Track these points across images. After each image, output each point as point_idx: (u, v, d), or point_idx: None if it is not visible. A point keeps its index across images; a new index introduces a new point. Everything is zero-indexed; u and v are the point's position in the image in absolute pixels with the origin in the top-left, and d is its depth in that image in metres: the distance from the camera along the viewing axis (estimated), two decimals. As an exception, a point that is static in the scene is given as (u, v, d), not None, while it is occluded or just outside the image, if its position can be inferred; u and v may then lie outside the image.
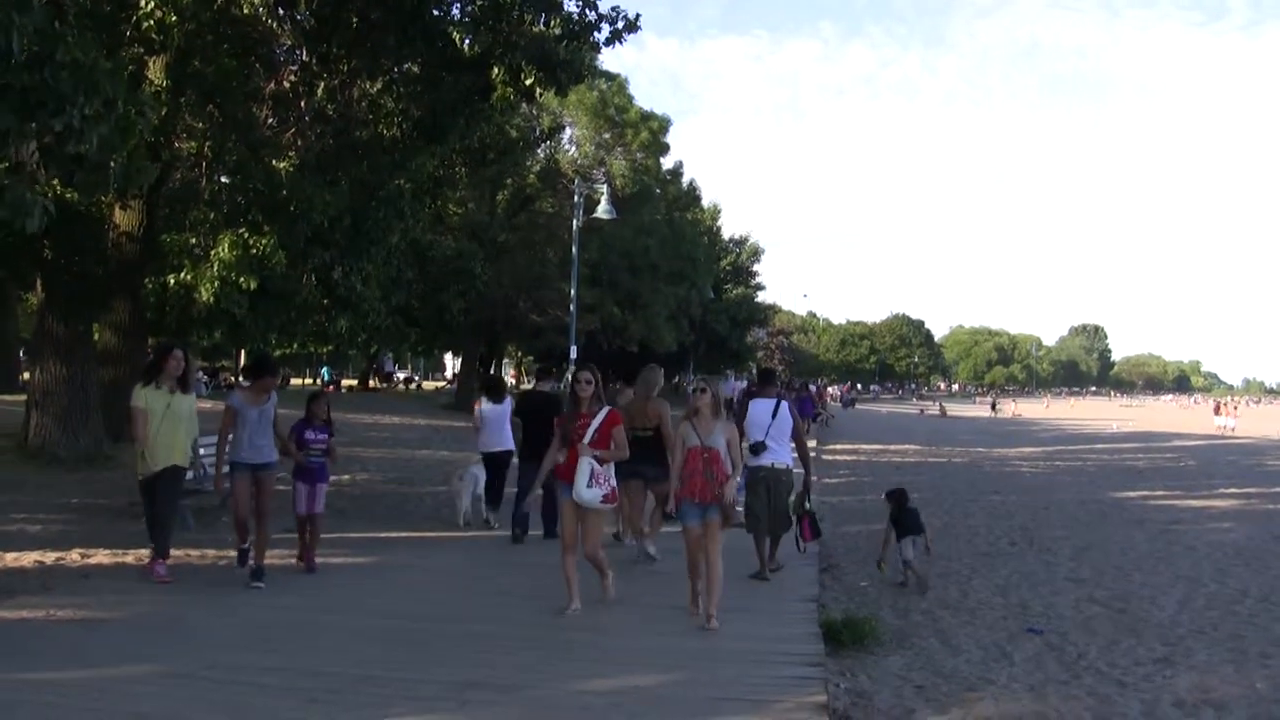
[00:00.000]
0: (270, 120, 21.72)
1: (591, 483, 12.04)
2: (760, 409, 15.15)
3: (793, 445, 15.36)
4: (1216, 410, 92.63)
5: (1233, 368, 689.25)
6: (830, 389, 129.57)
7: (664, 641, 11.09)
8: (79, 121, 11.73)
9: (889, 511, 16.50)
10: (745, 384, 29.03)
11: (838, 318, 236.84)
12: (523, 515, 17.52)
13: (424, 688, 9.03)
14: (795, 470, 15.28)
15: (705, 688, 9.43)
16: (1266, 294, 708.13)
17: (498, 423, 19.68)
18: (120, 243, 21.28)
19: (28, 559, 14.53)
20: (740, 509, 15.75)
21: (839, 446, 40.85)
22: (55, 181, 15.86)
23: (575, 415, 12.45)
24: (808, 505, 15.50)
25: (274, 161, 20.94)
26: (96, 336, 22.78)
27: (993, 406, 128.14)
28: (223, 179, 21.61)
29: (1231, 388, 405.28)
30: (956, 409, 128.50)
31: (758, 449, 14.84)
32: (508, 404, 19.92)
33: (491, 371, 62.43)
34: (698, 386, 12.31)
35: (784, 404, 15.35)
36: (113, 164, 13.71)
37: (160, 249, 21.38)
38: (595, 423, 12.29)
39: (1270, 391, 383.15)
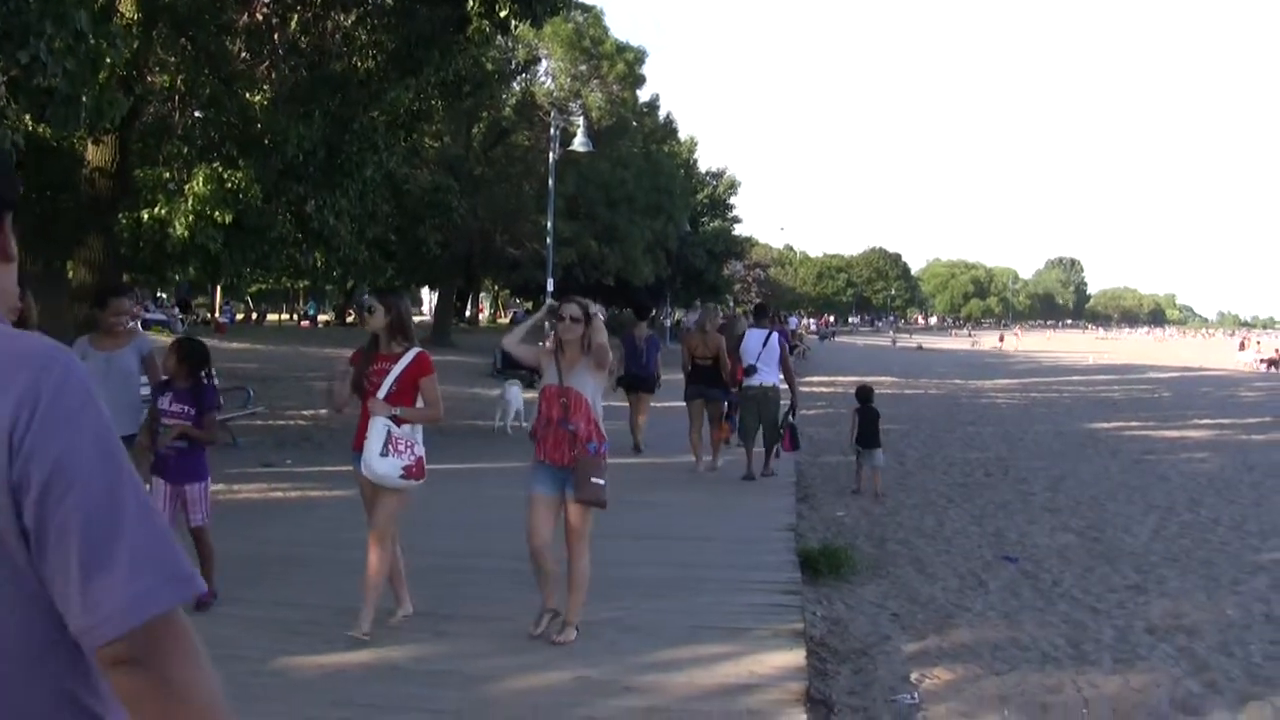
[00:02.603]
0: (243, 53, 21.51)
1: (387, 450, 8.64)
2: (754, 338, 17.77)
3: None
4: (1242, 347, 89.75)
5: (1208, 301, 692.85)
6: (806, 322, 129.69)
7: (638, 571, 11.16)
8: (46, 54, 11.62)
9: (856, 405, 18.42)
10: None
11: (815, 251, 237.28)
12: None
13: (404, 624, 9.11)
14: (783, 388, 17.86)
15: (682, 616, 9.50)
16: (1241, 228, 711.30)
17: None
18: (93, 178, 21.10)
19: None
20: (733, 435, 18.65)
21: (815, 379, 41.00)
22: (26, 116, 15.73)
23: (371, 357, 9.01)
24: (791, 420, 17.89)
25: (248, 95, 20.78)
26: (71, 273, 22.65)
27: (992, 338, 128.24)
28: (196, 113, 21.42)
29: (1206, 320, 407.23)
30: (933, 341, 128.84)
31: (750, 371, 17.47)
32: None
33: (469, 304, 62.36)
34: (569, 314, 8.76)
35: (774, 334, 17.89)
36: (84, 98, 13.57)
37: (134, 184, 21.19)
38: (396, 370, 8.80)
39: (1244, 324, 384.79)
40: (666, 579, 10.86)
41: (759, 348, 17.57)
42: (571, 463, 8.50)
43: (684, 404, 18.74)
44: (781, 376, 17.86)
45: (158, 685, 1.87)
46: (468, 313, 78.41)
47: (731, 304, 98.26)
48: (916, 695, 8.41)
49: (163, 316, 53.69)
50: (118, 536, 1.88)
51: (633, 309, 23.99)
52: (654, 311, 29.67)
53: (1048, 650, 9.76)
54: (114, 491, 1.91)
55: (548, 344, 9.34)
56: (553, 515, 8.74)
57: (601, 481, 8.48)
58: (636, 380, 20.19)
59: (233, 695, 1.96)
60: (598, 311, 8.97)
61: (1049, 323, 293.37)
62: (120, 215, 20.86)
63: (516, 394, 23.54)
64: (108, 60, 13.61)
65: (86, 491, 1.87)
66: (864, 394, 18.66)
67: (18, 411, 1.87)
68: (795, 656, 8.43)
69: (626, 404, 20.68)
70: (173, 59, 20.57)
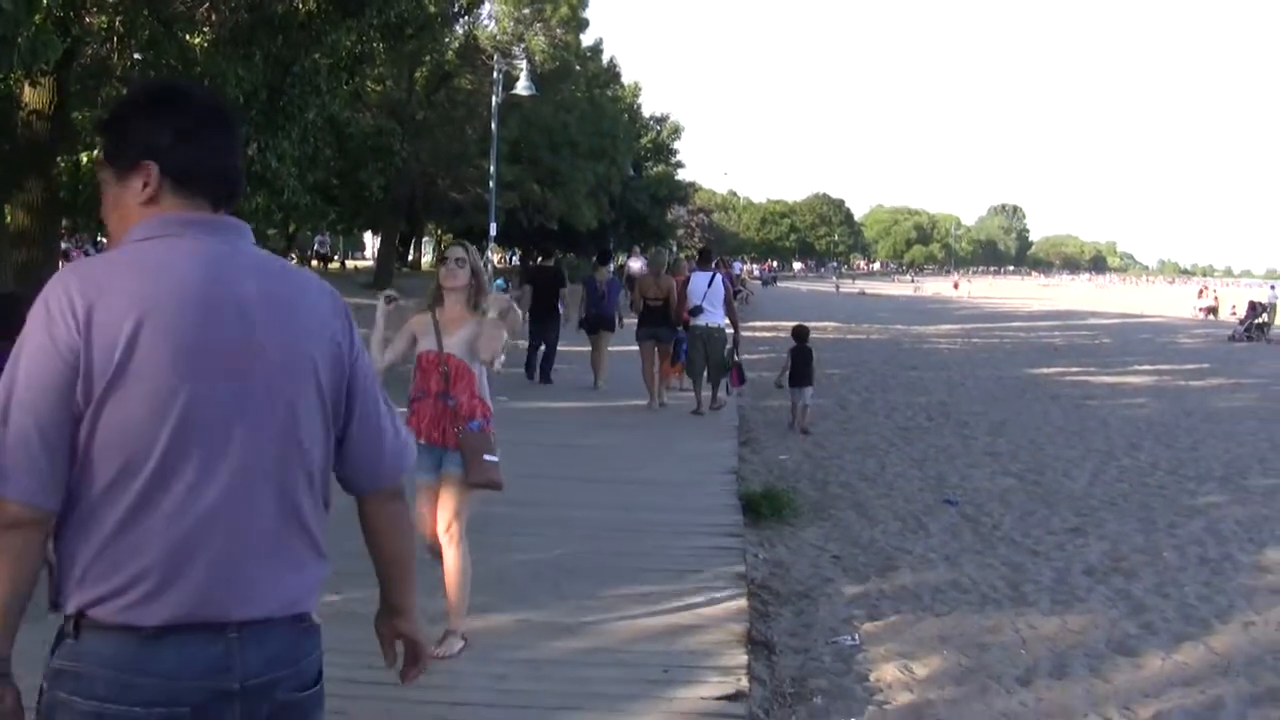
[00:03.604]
0: (183, -6, 21.26)
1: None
2: (699, 279, 18.66)
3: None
4: (1200, 294, 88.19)
5: (1148, 249, 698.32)
6: (749, 267, 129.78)
7: (582, 514, 11.20)
8: (-21, -6, 11.44)
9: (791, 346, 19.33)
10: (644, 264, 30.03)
11: (758, 196, 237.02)
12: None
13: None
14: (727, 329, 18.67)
15: (625, 558, 9.55)
16: (1181, 176, 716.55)
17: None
18: (30, 121, 20.80)
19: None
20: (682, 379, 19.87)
21: (759, 323, 41.02)
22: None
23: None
24: (736, 358, 18.99)
25: (187, 37, 20.52)
26: (9, 218, 22.39)
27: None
28: (135, 55, 21.15)
29: (1146, 268, 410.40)
30: (876, 287, 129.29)
31: (696, 312, 18.30)
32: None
33: (411, 248, 62.10)
34: (454, 256, 7.60)
35: (719, 276, 18.95)
36: (19, 39, 13.36)
37: (72, 127, 20.97)
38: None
39: (1184, 272, 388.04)
40: (609, 521, 10.91)
41: (704, 289, 18.43)
42: (452, 442, 7.14)
43: (635, 346, 19.47)
44: (726, 317, 18.64)
45: (407, 511, 3.21)
46: (410, 257, 77.96)
47: (675, 249, 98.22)
48: (857, 637, 8.49)
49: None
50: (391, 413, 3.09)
51: (597, 255, 26.40)
52: (613, 257, 30.82)
53: (987, 592, 9.87)
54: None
55: (409, 315, 7.65)
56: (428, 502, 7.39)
57: (495, 459, 7.20)
58: (598, 321, 21.50)
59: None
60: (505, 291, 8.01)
61: (991, 269, 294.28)
62: (59, 158, 20.63)
63: None
64: (44, 1, 13.41)
65: (372, 380, 3.03)
66: (799, 333, 19.58)
67: (344, 320, 2.95)
68: (737, 599, 8.52)
69: (588, 346, 22.02)
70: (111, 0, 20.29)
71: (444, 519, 7.20)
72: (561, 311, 21.90)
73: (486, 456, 7.15)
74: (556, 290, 21.84)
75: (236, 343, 2.69)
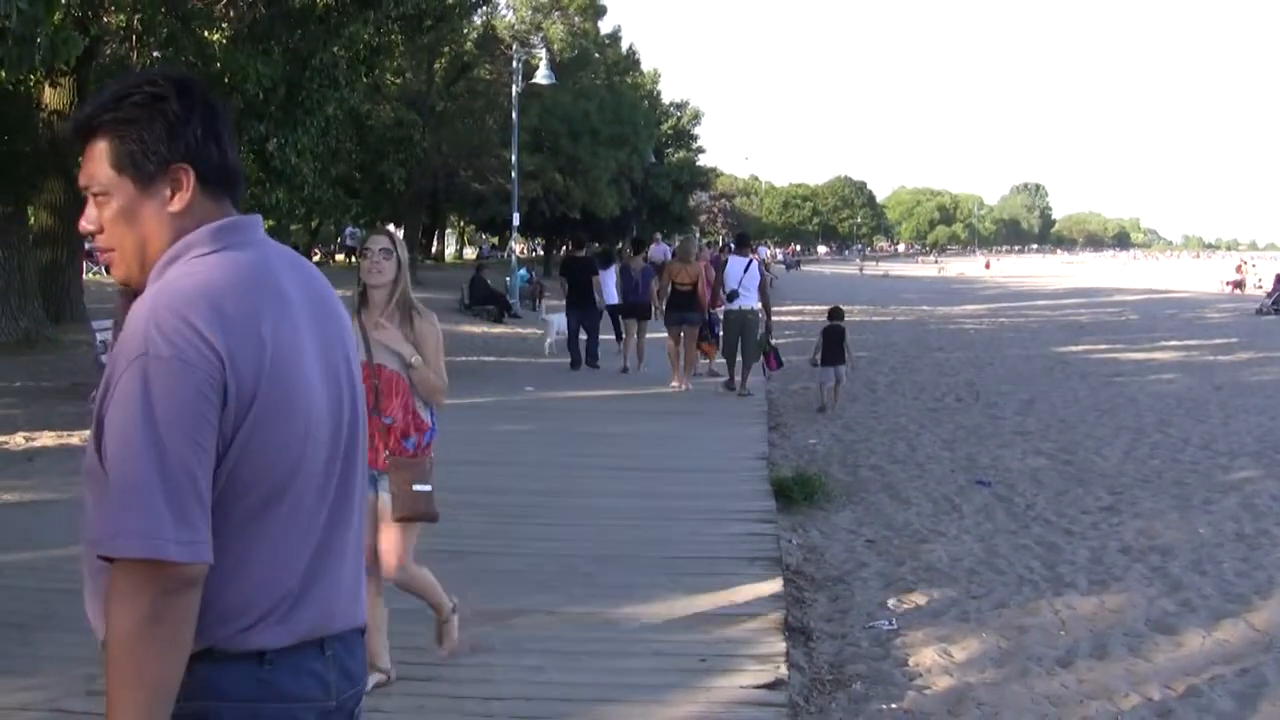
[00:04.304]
0: (200, -10, 21.28)
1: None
2: (735, 264, 19.19)
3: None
4: (1238, 270, 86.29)
5: (1171, 224, 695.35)
6: (773, 251, 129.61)
7: (614, 503, 11.16)
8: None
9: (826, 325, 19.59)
10: (671, 250, 30.23)
11: (780, 180, 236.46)
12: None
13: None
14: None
15: (658, 546, 9.50)
16: (1204, 150, 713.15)
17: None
18: (51, 121, 20.89)
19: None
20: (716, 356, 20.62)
21: (783, 308, 40.88)
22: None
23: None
24: (772, 341, 19.61)
25: (206, 33, 20.55)
26: (33, 219, 22.46)
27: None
28: (154, 53, 21.17)
29: (1170, 243, 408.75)
30: (899, 269, 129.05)
31: (732, 296, 18.83)
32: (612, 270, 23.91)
33: (434, 241, 62.07)
34: (377, 246, 6.23)
35: (754, 262, 19.45)
36: (39, 38, 13.36)
37: (93, 126, 20.98)
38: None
39: (1209, 246, 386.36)
40: (641, 509, 10.86)
41: (740, 274, 18.97)
42: (384, 464, 6.13)
43: (663, 333, 20.54)
44: (759, 301, 19.20)
45: None
46: (434, 249, 77.98)
47: (698, 234, 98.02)
48: (894, 621, 8.43)
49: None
50: None
51: (631, 245, 27.24)
52: (647, 246, 32.12)
53: (1023, 573, 9.78)
54: None
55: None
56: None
57: (427, 488, 6.19)
58: (633, 308, 22.36)
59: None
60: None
61: (1015, 248, 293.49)
62: (80, 158, 20.65)
63: (560, 317, 24.54)
64: (62, 1, 13.41)
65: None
66: (834, 313, 19.94)
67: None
68: (773, 585, 8.47)
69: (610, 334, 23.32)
70: (128, -2, 20.32)
71: (380, 553, 6.17)
72: (597, 299, 22.66)
73: (417, 486, 6.17)
74: (590, 279, 22.51)
75: (326, 351, 2.61)
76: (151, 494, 2.24)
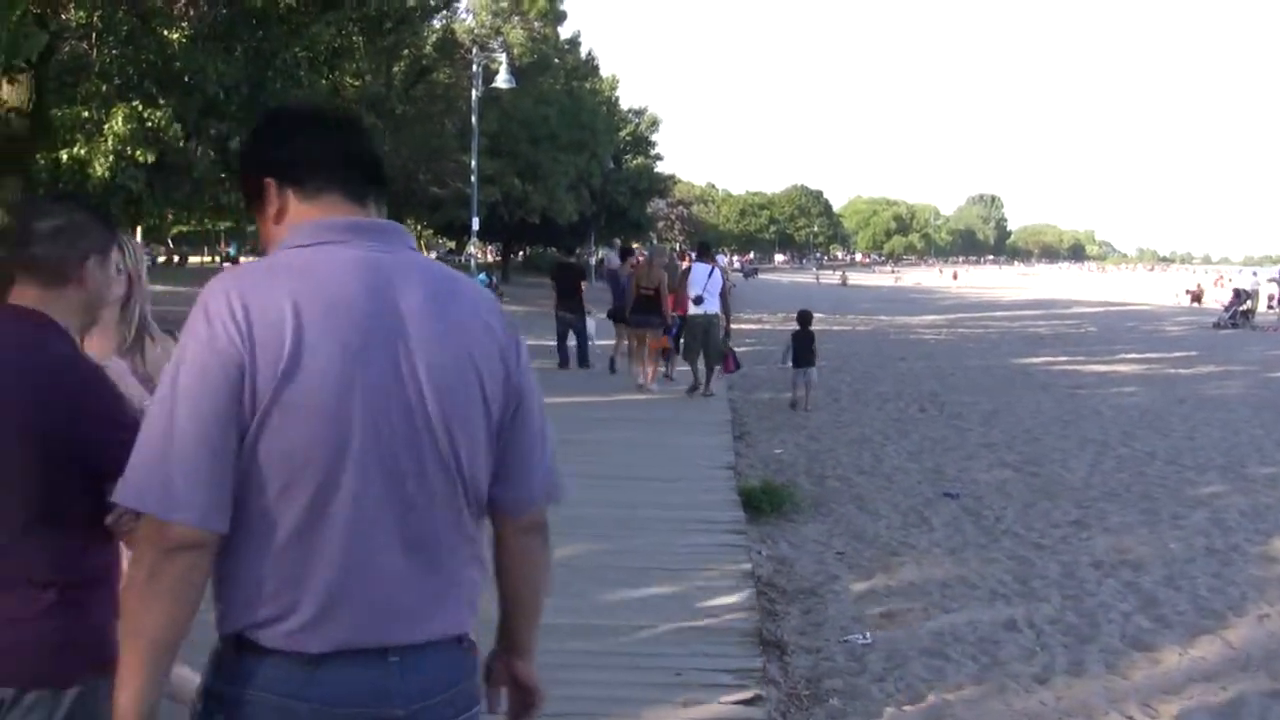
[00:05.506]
0: (160, -12, 21.09)
1: None
2: (700, 271, 19.84)
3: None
4: (1216, 284, 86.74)
5: (1126, 237, 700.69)
6: (731, 259, 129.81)
7: (582, 511, 11.01)
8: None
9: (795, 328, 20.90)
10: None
11: (737, 188, 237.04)
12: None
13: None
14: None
15: (630, 557, 9.38)
16: (1159, 164, 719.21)
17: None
18: (8, 118, 20.59)
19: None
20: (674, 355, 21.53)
21: (743, 315, 40.90)
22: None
23: None
24: (729, 344, 20.48)
25: (165, 32, 20.34)
26: (-13, 215, 22.18)
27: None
28: (114, 50, 20.97)
29: (1125, 256, 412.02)
30: (857, 278, 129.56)
31: (697, 301, 19.33)
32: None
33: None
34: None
35: (716, 269, 20.21)
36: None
37: (51, 123, 20.75)
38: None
39: (1163, 259, 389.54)
40: (608, 519, 10.70)
41: (704, 280, 19.61)
42: None
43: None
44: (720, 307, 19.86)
45: (543, 546, 3.02)
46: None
47: (655, 241, 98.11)
48: (869, 635, 8.33)
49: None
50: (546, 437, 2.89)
51: (619, 251, 29.40)
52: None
53: (995, 587, 9.71)
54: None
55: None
56: None
57: None
58: (621, 312, 22.56)
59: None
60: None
61: (970, 259, 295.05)
62: (38, 155, 20.42)
63: (591, 323, 24.61)
64: (21, -4, 13.21)
65: (536, 403, 2.85)
66: (803, 318, 21.10)
67: (512, 332, 2.78)
68: (745, 597, 8.35)
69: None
70: (87, -6, 20.11)
71: None
72: (584, 304, 23.54)
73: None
74: (578, 284, 23.40)
75: (395, 353, 2.55)
76: (156, 452, 2.38)
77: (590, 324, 24.39)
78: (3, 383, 3.06)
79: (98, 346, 4.34)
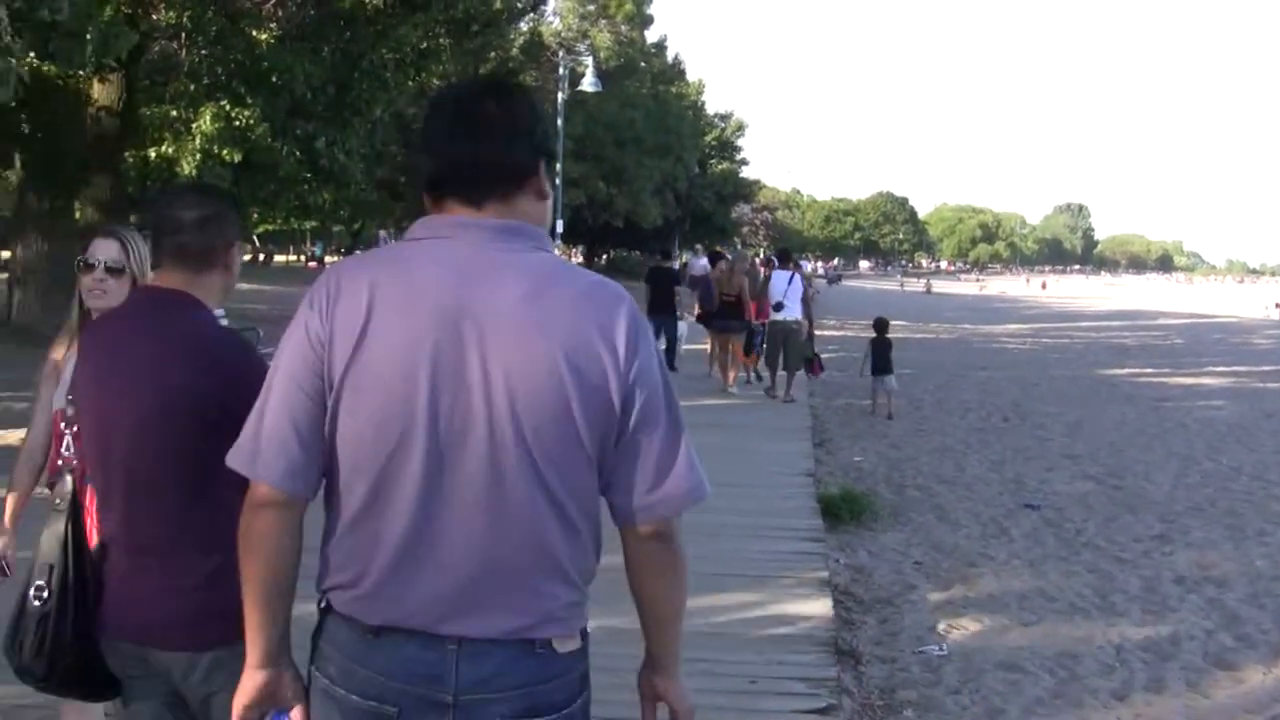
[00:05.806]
0: (249, -11, 21.32)
1: None
2: (780, 278, 20.12)
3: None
4: None
5: (1215, 248, 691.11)
6: (814, 265, 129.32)
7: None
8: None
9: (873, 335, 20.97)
10: (707, 260, 30.62)
11: (822, 194, 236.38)
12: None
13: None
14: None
15: (707, 563, 9.32)
16: (1249, 174, 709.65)
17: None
18: (99, 117, 20.91)
19: (14, 436, 14.32)
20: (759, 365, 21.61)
21: (826, 322, 40.72)
22: (32, 55, 15.48)
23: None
24: (814, 350, 20.98)
25: (255, 32, 20.54)
26: (78, 213, 22.47)
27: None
28: (203, 50, 21.19)
29: (1214, 267, 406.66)
30: (941, 285, 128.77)
31: (778, 307, 19.63)
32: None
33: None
34: (104, 258, 4.21)
35: (797, 275, 20.52)
36: (89, 33, 13.31)
37: (140, 122, 21.01)
38: None
39: (1253, 271, 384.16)
40: (686, 524, 10.49)
41: (785, 286, 19.87)
42: None
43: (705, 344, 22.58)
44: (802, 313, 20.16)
45: (672, 554, 2.95)
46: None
47: (739, 247, 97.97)
48: (944, 647, 8.25)
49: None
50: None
51: (709, 256, 28.74)
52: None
53: (1075, 601, 9.59)
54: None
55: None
56: None
57: None
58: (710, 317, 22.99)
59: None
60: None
61: (1057, 268, 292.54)
62: (127, 154, 20.66)
63: (683, 326, 24.70)
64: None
65: (657, 401, 2.69)
66: (879, 325, 21.26)
67: (625, 328, 2.60)
68: (822, 606, 8.27)
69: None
70: (178, -5, 20.33)
71: None
72: (679, 309, 23.66)
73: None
74: (673, 288, 23.46)
75: (465, 348, 2.55)
76: (255, 420, 2.63)
77: (682, 327, 24.50)
78: (169, 356, 3.26)
79: None
